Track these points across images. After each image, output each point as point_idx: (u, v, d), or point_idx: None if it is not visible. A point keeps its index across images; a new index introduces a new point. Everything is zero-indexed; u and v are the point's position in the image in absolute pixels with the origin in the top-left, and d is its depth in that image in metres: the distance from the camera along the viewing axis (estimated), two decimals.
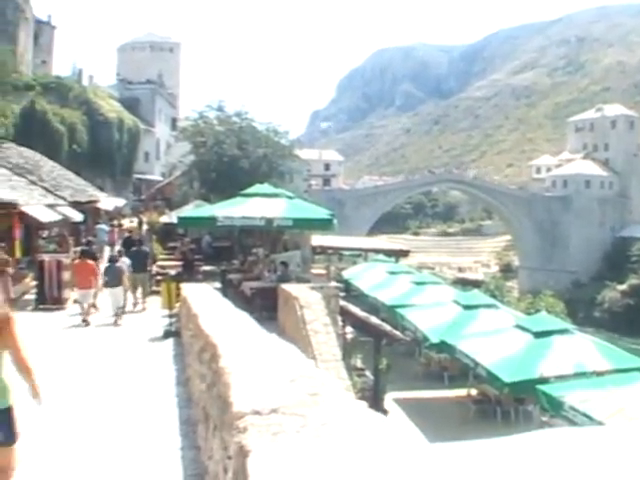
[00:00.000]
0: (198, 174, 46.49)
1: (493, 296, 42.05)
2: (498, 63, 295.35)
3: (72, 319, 20.56)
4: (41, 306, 22.56)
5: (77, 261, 22.22)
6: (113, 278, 20.89)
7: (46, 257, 23.51)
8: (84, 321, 19.87)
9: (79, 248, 27.04)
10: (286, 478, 2.63)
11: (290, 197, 23.50)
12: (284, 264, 22.69)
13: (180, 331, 16.46)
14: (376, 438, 3.11)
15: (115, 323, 19.96)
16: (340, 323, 19.19)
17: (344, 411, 3.54)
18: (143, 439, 9.16)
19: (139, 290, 23.67)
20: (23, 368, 5.97)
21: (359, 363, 23.64)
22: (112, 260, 22.19)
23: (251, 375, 4.45)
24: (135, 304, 23.24)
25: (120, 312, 20.40)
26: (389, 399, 22.77)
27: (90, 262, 21.43)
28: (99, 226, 41.15)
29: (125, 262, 22.58)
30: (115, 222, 48.10)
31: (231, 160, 43.30)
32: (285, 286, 18.74)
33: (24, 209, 25.82)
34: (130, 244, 27.79)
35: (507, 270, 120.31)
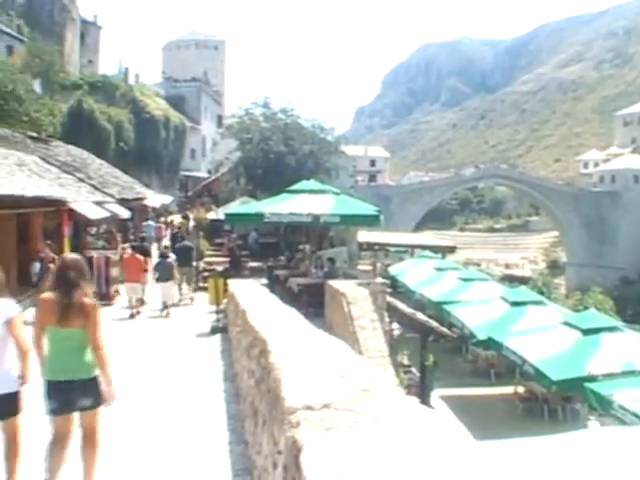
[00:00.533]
0: (244, 171, 46.56)
1: (540, 293, 41.74)
2: (544, 57, 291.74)
3: (121, 313, 20.80)
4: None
5: (127, 256, 22.61)
6: (164, 273, 21.73)
7: (94, 254, 23.75)
8: (132, 314, 20.25)
9: (127, 244, 27.37)
10: (340, 473, 2.62)
11: (337, 193, 23.47)
12: (331, 260, 22.68)
13: (227, 327, 16.54)
14: (428, 435, 3.09)
15: (165, 315, 20.89)
16: (387, 319, 19.13)
17: (396, 407, 3.52)
18: (192, 433, 9.23)
19: (184, 285, 24.48)
20: (100, 360, 6.78)
21: (405, 360, 23.55)
22: (163, 256, 22.90)
23: (302, 370, 4.45)
24: (181, 299, 23.87)
25: (170, 306, 21.30)
26: (435, 396, 22.67)
27: (139, 257, 21.97)
28: (147, 222, 41.85)
29: (173, 256, 23.26)
30: (162, 219, 48.63)
31: (277, 157, 43.32)
32: (332, 282, 18.72)
33: (73, 206, 26.08)
34: (177, 240, 28.29)
35: (554, 267, 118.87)
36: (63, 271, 7.03)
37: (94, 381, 6.82)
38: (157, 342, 16.02)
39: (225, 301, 17.91)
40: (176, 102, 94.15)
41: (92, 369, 6.83)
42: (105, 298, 22.63)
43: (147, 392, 11.47)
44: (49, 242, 20.57)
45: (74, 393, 6.76)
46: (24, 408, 6.98)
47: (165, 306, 21.34)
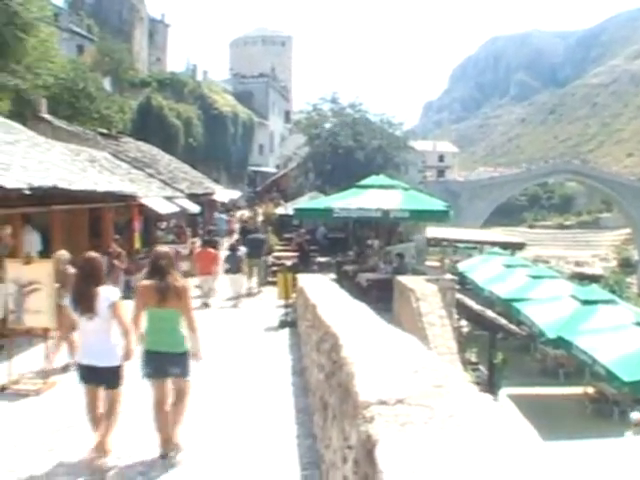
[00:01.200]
0: (313, 166, 46.72)
1: (612, 291, 40.92)
2: (616, 48, 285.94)
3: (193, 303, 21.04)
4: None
5: (199, 249, 23.00)
6: (234, 265, 22.59)
7: (164, 248, 24.01)
8: (204, 304, 20.59)
9: (196, 238, 27.65)
10: (416, 469, 2.61)
11: (406, 188, 23.39)
12: (400, 256, 22.63)
13: (296, 321, 16.60)
14: (502, 433, 3.07)
15: (235, 306, 21.61)
16: (455, 316, 19.03)
17: (470, 404, 3.50)
18: (260, 426, 9.29)
19: (254, 278, 25.00)
20: (192, 329, 8.23)
21: (473, 357, 23.39)
22: (233, 249, 23.46)
23: (374, 365, 4.45)
24: (251, 290, 24.49)
25: (239, 297, 22.18)
26: (503, 395, 22.46)
27: (211, 250, 22.51)
28: (219, 215, 42.85)
29: (242, 250, 23.87)
30: (232, 213, 49.13)
31: (346, 152, 43.36)
32: (401, 278, 18.67)
33: (143, 201, 26.41)
34: (246, 233, 28.72)
35: (626, 265, 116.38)
36: (156, 261, 8.29)
37: (184, 355, 8.15)
38: (227, 334, 16.12)
39: (294, 295, 17.99)
40: (244, 98, 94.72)
41: (183, 345, 8.15)
42: None
43: (217, 384, 11.59)
44: (117, 237, 20.87)
45: (166, 363, 8.07)
46: (125, 380, 8.20)
47: (235, 298, 22.16)
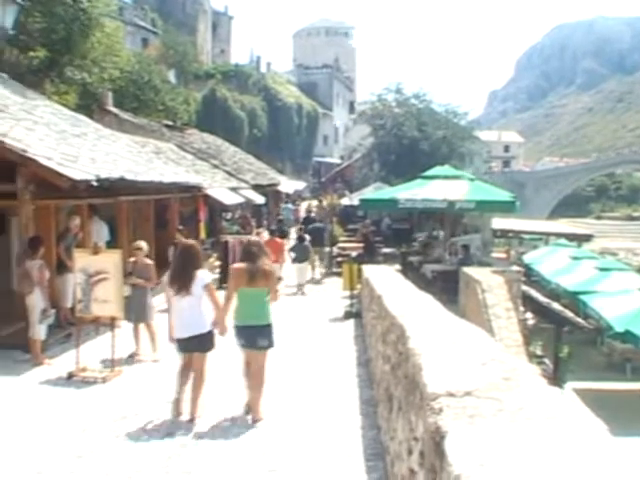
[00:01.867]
0: (377, 156, 46.69)
1: None
2: None
3: None
4: (224, 285, 23.28)
5: (267, 239, 23.29)
6: (300, 255, 23.60)
7: (230, 238, 24.13)
8: None
9: (261, 229, 27.83)
10: (486, 461, 2.58)
11: (471, 179, 23.22)
12: (465, 247, 22.47)
13: (361, 312, 16.59)
14: (572, 427, 3.02)
15: (301, 293, 22.54)
16: (521, 308, 18.82)
17: (540, 397, 3.45)
18: (325, 417, 9.31)
19: (317, 264, 26.28)
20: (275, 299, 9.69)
21: (539, 350, 23.09)
22: (300, 239, 24.35)
23: (441, 357, 4.41)
24: (313, 277, 25.48)
25: (304, 284, 23.20)
26: (569, 388, 22.15)
27: (278, 240, 23.02)
28: (285, 205, 44.17)
29: (307, 239, 24.65)
30: (298, 203, 49.49)
31: (410, 142, 43.22)
32: (467, 269, 18.54)
33: (208, 192, 26.65)
34: (309, 222, 29.20)
35: None
36: (248, 248, 9.65)
37: (269, 327, 9.44)
38: (293, 324, 16.13)
39: (359, 286, 17.97)
40: (308, 89, 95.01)
41: (268, 318, 9.45)
42: None
43: (283, 374, 11.65)
44: (181, 227, 21.00)
45: (255, 334, 9.32)
46: (215, 347, 9.62)
47: (300, 285, 22.95)
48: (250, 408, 9.41)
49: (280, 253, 22.31)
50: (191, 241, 10.60)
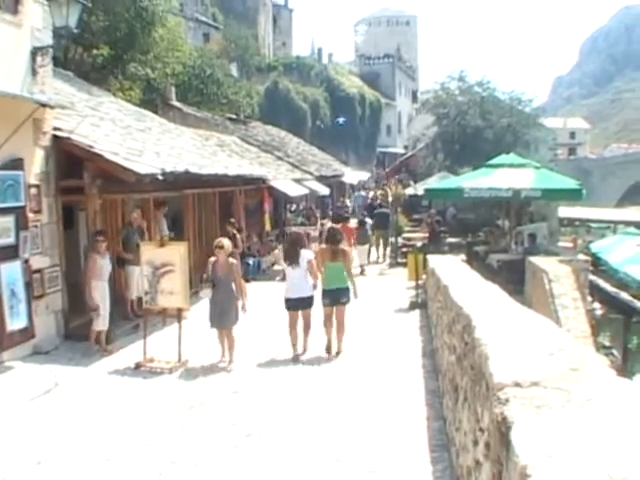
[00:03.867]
0: (441, 146, 46.30)
1: None
2: None
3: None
4: None
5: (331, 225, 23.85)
6: (361, 237, 25.33)
7: (294, 230, 24.22)
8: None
9: (326, 220, 27.93)
10: (553, 452, 2.55)
11: (537, 167, 22.95)
12: (532, 236, 22.24)
13: (426, 303, 16.52)
14: None
15: (361, 273, 23.66)
16: (589, 298, 18.56)
17: (609, 388, 3.40)
18: (390, 407, 9.32)
19: (381, 248, 28.17)
20: (350, 276, 13.20)
21: (607, 341, 22.73)
22: (362, 223, 26.26)
23: (508, 347, 4.37)
24: (377, 259, 27.65)
25: (365, 265, 25.16)
26: (638, 380, 21.77)
27: (349, 226, 24.43)
28: (358, 193, 47.08)
29: (368, 222, 26.52)
30: (369, 191, 50.35)
31: (474, 131, 42.77)
32: (533, 259, 18.35)
33: (273, 184, 26.80)
34: (373, 208, 31.03)
35: None
36: (332, 233, 13.38)
37: (347, 289, 12.91)
38: (360, 314, 16.13)
39: (424, 277, 17.89)
40: (370, 79, 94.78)
41: (346, 283, 12.93)
42: None
43: (350, 363, 11.73)
44: (232, 220, 20.88)
45: (338, 295, 12.82)
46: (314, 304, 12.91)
47: (362, 266, 24.44)
48: (332, 346, 12.81)
49: (351, 237, 23.27)
50: (297, 229, 17.50)
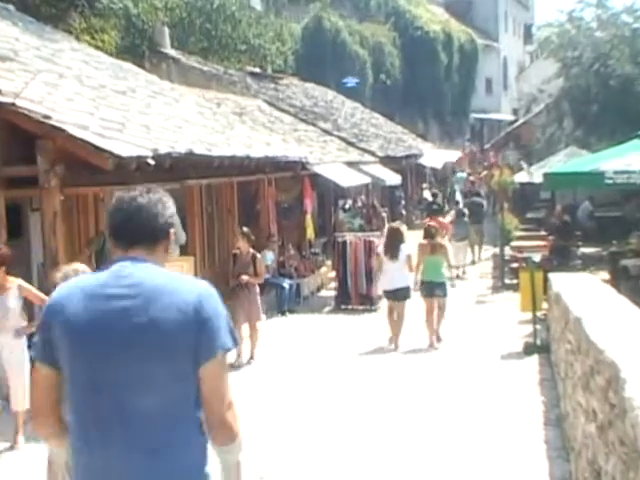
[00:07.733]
0: (570, 108, 45.91)
1: None
2: None
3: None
4: (343, 306, 23.37)
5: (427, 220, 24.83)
6: (459, 232, 29.04)
7: (349, 237, 24.07)
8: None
9: (397, 223, 27.91)
10: None
11: None
12: None
13: (549, 345, 16.46)
14: None
15: (458, 277, 26.06)
16: None
17: None
18: None
19: (476, 247, 31.41)
20: (449, 264, 20.18)
21: None
22: (460, 214, 29.74)
23: None
24: (474, 260, 31.69)
25: (461, 266, 28.70)
26: None
27: (442, 220, 26.55)
28: (457, 175, 50.66)
29: (465, 213, 29.15)
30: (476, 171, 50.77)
31: (622, 83, 42.22)
32: None
33: (316, 170, 26.64)
34: (467, 196, 33.79)
35: None
36: (429, 230, 19.22)
37: (444, 283, 18.93)
38: (454, 360, 16.27)
39: (545, 306, 17.81)
40: (460, 10, 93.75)
41: (444, 276, 19.10)
42: (365, 302, 23.19)
43: (437, 436, 11.72)
44: (245, 230, 19.31)
45: (434, 288, 18.55)
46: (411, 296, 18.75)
47: (457, 267, 26.72)
48: (433, 336, 18.84)
49: (445, 232, 25.98)
50: (396, 224, 22.81)
